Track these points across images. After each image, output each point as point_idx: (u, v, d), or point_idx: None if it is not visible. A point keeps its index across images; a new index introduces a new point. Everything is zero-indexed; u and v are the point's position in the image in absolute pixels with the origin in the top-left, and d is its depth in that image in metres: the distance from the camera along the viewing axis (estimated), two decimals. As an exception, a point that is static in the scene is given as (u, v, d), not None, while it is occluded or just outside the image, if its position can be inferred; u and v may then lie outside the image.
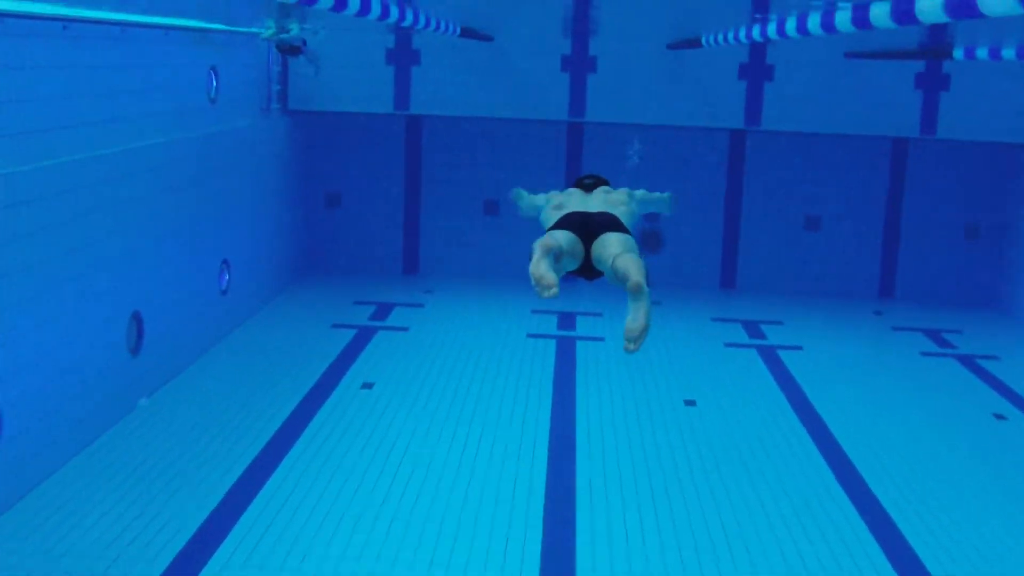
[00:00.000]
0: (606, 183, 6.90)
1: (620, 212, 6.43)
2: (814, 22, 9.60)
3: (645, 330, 5.50)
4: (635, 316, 5.52)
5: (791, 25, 10.22)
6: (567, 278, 6.26)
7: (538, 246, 5.70)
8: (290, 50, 11.74)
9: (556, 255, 5.79)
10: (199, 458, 9.98)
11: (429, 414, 11.50)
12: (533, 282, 5.47)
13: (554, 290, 5.45)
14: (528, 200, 7.35)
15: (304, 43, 11.92)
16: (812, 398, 12.51)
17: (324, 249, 18.28)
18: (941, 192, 18.03)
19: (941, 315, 17.12)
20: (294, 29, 11.20)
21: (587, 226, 6.09)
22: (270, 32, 11.20)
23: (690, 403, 12.14)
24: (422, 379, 12.63)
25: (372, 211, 18.31)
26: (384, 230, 18.36)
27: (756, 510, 9.39)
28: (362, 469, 9.94)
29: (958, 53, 11.32)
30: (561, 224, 6.18)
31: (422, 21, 12.63)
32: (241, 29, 11.48)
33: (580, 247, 6.05)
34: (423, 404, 11.80)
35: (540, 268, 5.52)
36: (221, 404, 11.45)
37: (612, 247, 5.93)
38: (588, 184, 6.80)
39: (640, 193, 6.87)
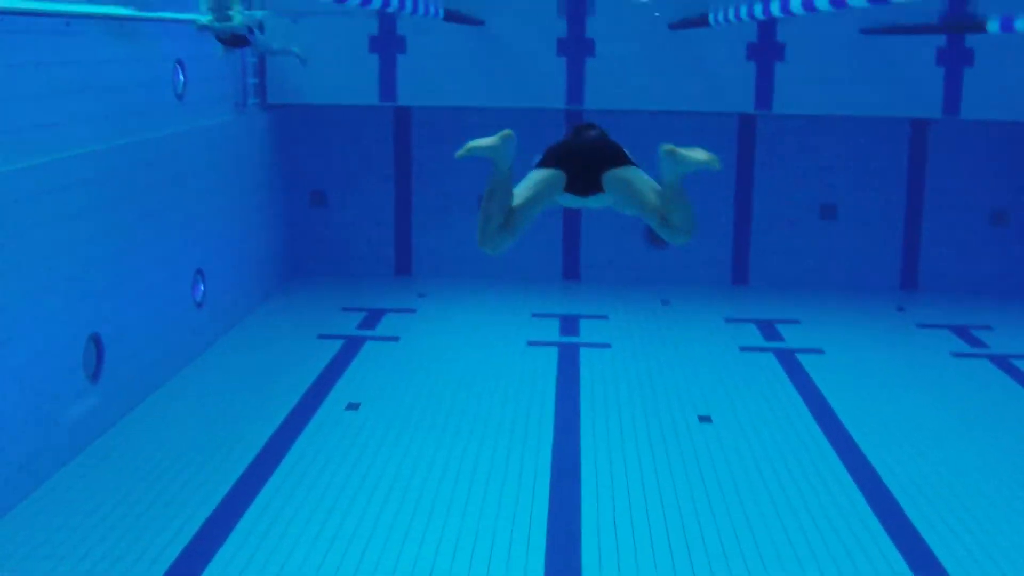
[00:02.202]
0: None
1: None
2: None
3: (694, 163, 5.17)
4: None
5: (797, 3, 9.20)
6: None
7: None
8: (233, 41, 10.46)
9: (504, 210, 5.25)
10: (169, 490, 9.05)
11: (421, 436, 10.49)
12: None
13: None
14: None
15: (251, 31, 10.68)
16: (837, 409, 11.47)
17: (310, 251, 17.24)
18: (965, 176, 16.94)
19: (968, 309, 16.06)
20: (236, 17, 9.97)
21: (582, 158, 5.44)
22: (207, 19, 10.01)
23: (704, 419, 11.10)
24: (412, 397, 11.60)
25: (360, 210, 17.25)
26: (373, 229, 17.30)
27: (780, 539, 8.40)
28: (348, 498, 9.01)
29: (993, 26, 10.21)
30: (547, 162, 5.54)
31: (407, 6, 11.57)
32: (168, 15, 10.27)
33: (562, 182, 5.46)
34: (414, 425, 10.78)
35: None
36: (192, 431, 10.46)
37: (638, 191, 5.42)
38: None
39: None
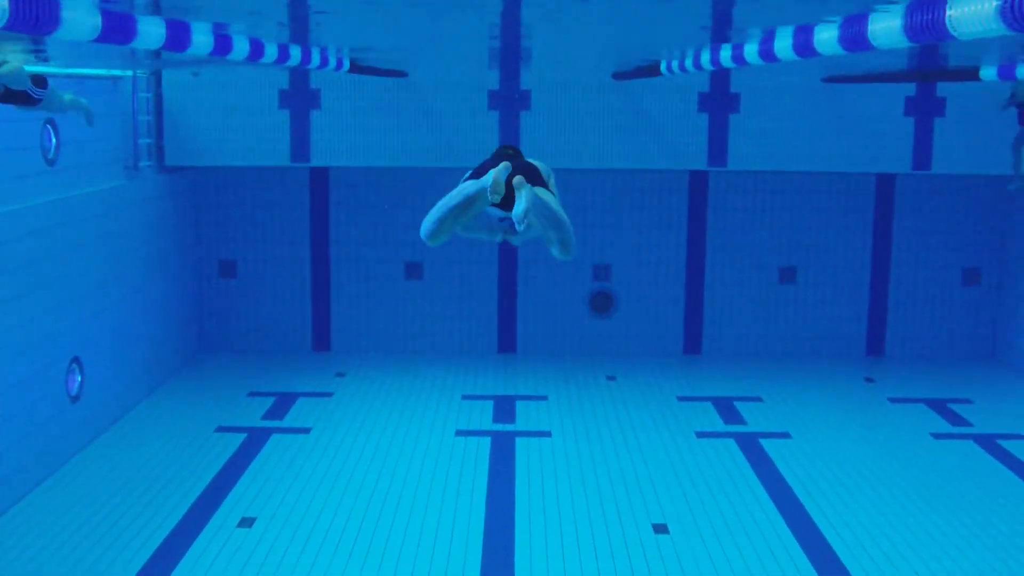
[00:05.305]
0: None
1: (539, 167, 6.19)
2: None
3: (527, 211, 5.47)
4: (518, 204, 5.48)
5: (787, 47, 7.77)
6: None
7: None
8: (8, 96, 8.42)
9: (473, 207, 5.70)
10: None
11: (326, 556, 8.90)
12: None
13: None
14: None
15: (42, 83, 8.78)
16: (810, 509, 10.00)
17: (218, 328, 15.60)
18: (934, 233, 15.68)
19: (942, 379, 14.73)
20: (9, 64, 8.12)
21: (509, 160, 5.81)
22: None
23: (660, 529, 9.55)
24: (318, 507, 9.96)
25: (274, 280, 15.66)
26: (289, 302, 15.71)
27: None
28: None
29: (988, 73, 8.84)
30: (485, 167, 5.87)
31: (295, 57, 9.96)
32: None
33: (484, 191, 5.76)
34: (316, 543, 9.16)
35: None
36: (56, 552, 8.84)
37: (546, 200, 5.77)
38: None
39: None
